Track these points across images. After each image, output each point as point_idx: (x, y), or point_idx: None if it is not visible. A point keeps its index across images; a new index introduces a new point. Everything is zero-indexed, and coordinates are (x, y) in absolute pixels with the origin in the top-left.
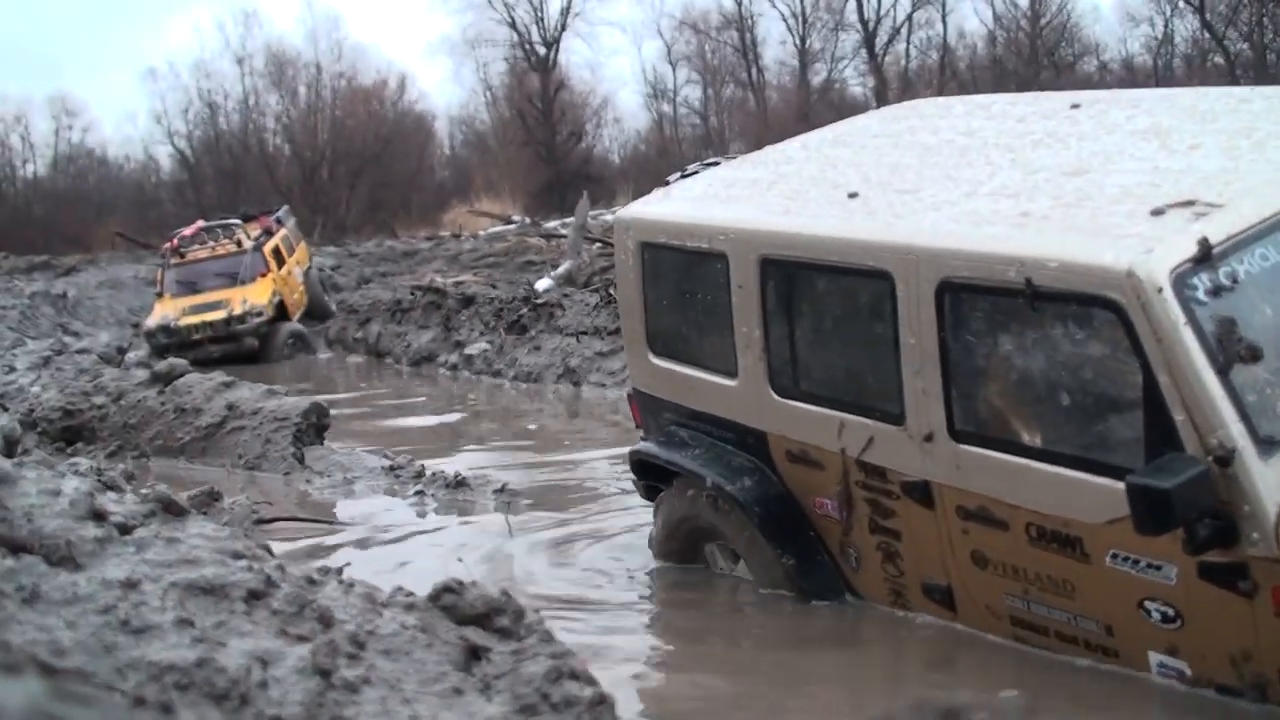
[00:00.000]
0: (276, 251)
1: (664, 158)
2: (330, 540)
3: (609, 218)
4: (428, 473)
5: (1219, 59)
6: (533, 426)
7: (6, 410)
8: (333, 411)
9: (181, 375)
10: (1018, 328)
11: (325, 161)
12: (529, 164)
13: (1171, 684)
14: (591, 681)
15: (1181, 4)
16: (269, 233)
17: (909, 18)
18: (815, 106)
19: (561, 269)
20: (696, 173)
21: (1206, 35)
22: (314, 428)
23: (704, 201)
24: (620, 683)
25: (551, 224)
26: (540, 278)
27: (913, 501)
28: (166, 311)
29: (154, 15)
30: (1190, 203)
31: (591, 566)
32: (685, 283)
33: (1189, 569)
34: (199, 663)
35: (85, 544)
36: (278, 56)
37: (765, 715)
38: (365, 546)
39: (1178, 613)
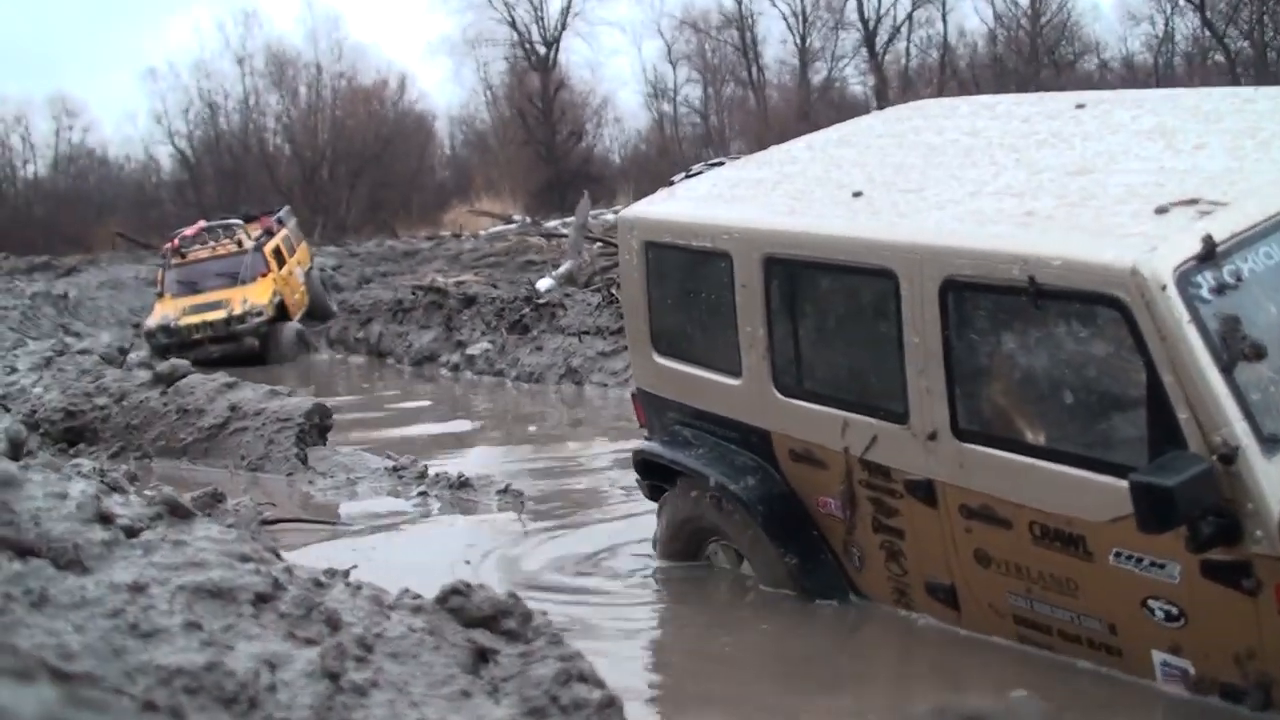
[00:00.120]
0: (277, 251)
1: (664, 157)
2: (335, 542)
3: (609, 217)
4: (431, 473)
5: (1219, 57)
6: (533, 428)
7: (9, 411)
8: (335, 414)
9: (184, 376)
10: (1021, 326)
11: (325, 161)
12: (529, 164)
13: (1176, 685)
14: (600, 684)
15: (1182, 2)
16: (270, 233)
17: (909, 16)
18: (815, 105)
19: (562, 268)
20: (701, 173)
21: (1207, 33)
22: (317, 428)
23: (708, 201)
24: (626, 685)
25: (552, 223)
26: (541, 277)
27: (916, 500)
28: (167, 311)
29: (154, 15)
30: (1194, 201)
31: (595, 567)
32: (689, 282)
33: (1192, 567)
34: (208, 666)
35: (92, 547)
36: (278, 56)
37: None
38: (370, 548)
39: (1181, 611)
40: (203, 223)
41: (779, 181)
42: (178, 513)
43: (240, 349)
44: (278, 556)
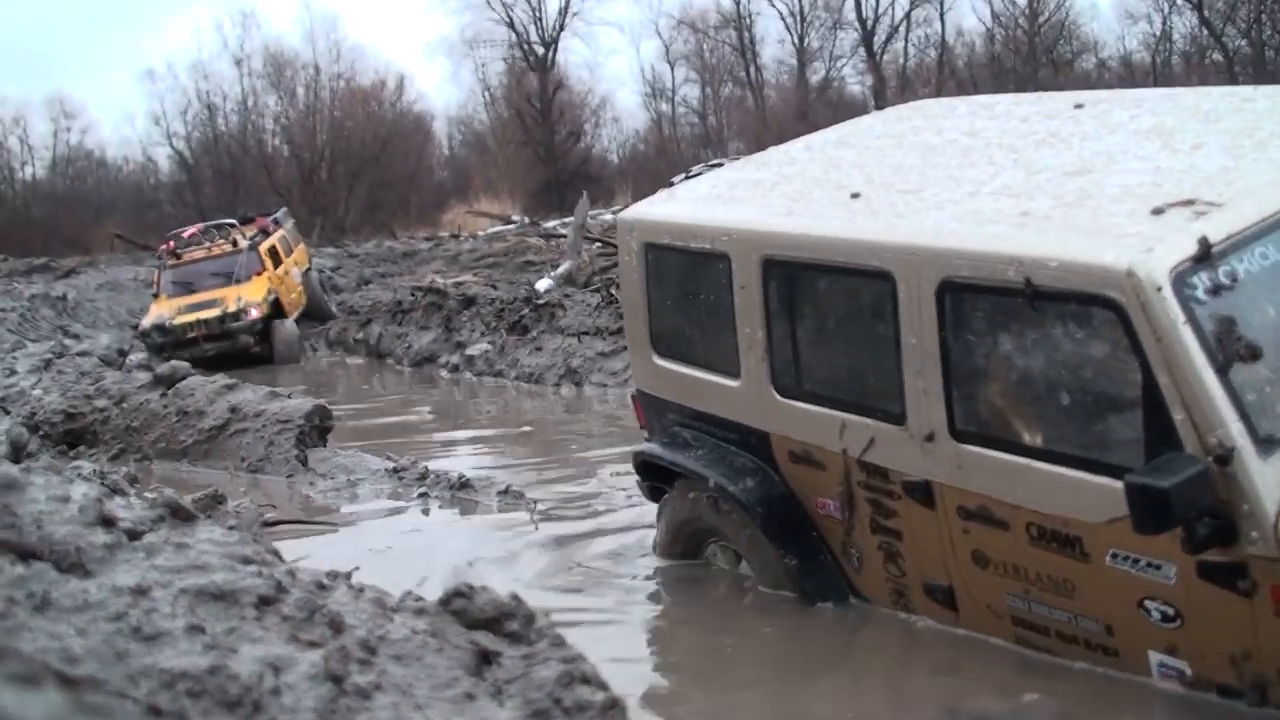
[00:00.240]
0: (273, 251)
1: (663, 157)
2: (336, 544)
3: (608, 217)
4: (431, 474)
5: (1217, 56)
6: (533, 429)
7: (9, 413)
8: (334, 416)
9: (184, 378)
10: (1018, 327)
11: (324, 162)
12: (528, 164)
13: (1173, 685)
14: (603, 686)
15: (1180, 1)
16: (265, 233)
17: (907, 16)
18: (814, 105)
19: (561, 269)
20: (701, 174)
21: (1205, 32)
22: (317, 430)
23: (707, 202)
24: (628, 687)
25: (551, 224)
26: (540, 278)
27: (914, 501)
28: (162, 311)
29: (152, 16)
30: (1190, 202)
31: (597, 568)
32: (688, 284)
33: (1188, 568)
34: (211, 670)
35: (95, 550)
36: (276, 57)
37: None
38: (372, 550)
39: (1178, 612)
40: (200, 226)
41: (777, 182)
42: (179, 515)
43: (235, 347)
44: (280, 559)
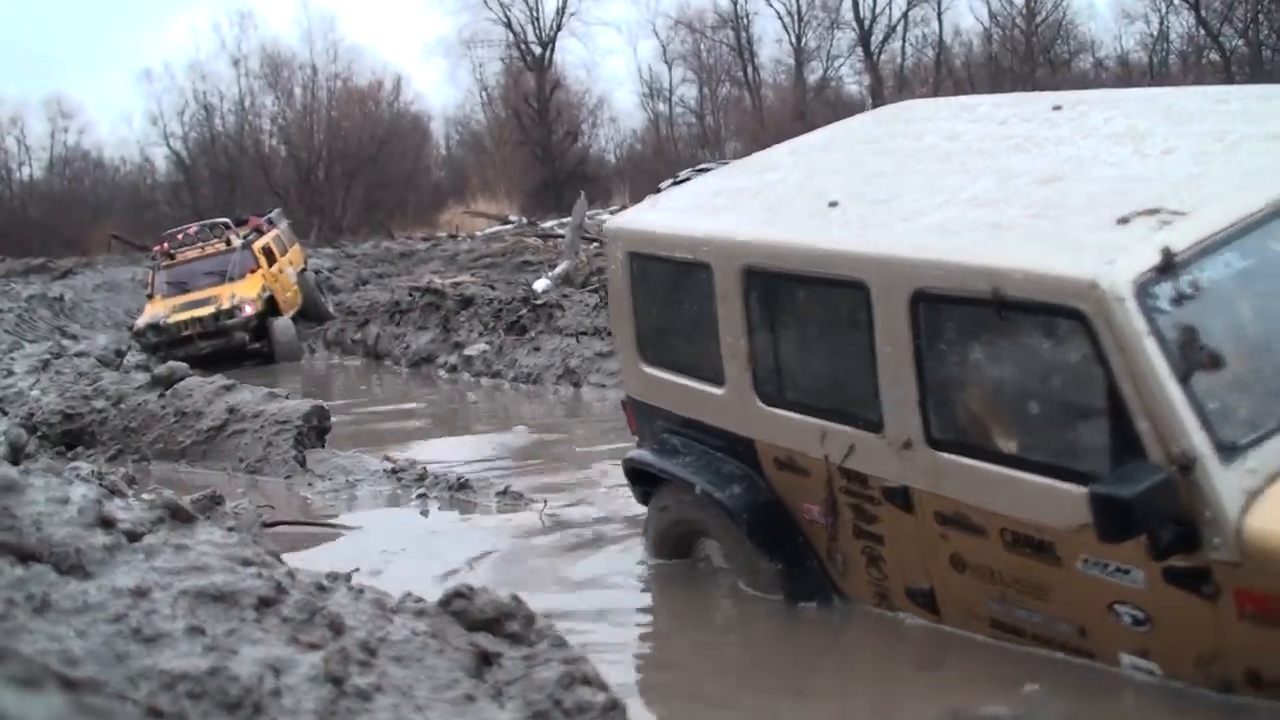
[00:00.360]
0: (267, 249)
1: (660, 157)
2: (335, 545)
3: (605, 217)
4: (430, 475)
5: (1214, 56)
6: (532, 429)
7: (6, 414)
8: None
9: (182, 379)
10: (989, 337)
11: (321, 163)
12: (525, 164)
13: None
14: (604, 687)
15: (1177, 1)
16: (260, 231)
17: (904, 15)
18: (811, 105)
19: (559, 269)
20: (689, 179)
21: (1202, 32)
22: (315, 430)
23: (689, 212)
24: (628, 687)
25: (548, 224)
26: (538, 278)
27: (894, 507)
28: (157, 311)
29: (150, 16)
30: (1156, 211)
31: (596, 568)
32: (672, 292)
33: (1156, 573)
34: (211, 671)
35: (94, 552)
36: (273, 58)
37: None
38: (371, 551)
39: (1147, 616)
40: (193, 226)
41: (759, 190)
42: (179, 516)
43: (230, 344)
44: (280, 560)
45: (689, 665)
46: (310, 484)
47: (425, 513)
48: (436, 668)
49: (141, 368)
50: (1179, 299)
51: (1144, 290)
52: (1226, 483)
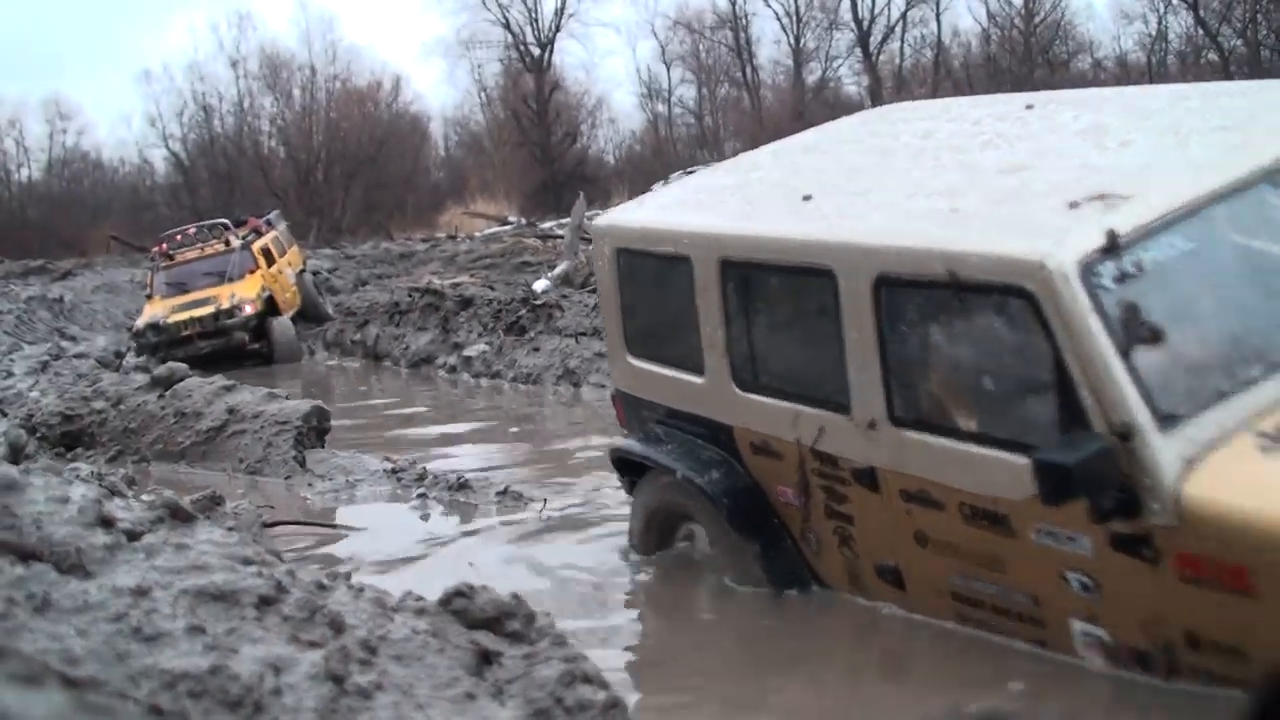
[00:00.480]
0: (266, 250)
1: (659, 158)
2: (335, 545)
3: None
4: (430, 475)
5: (1213, 56)
6: (531, 429)
7: (5, 415)
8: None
9: (181, 379)
10: (946, 318)
11: (320, 164)
12: (524, 165)
13: (1094, 653)
14: (604, 685)
15: (1175, 1)
16: (258, 232)
17: (903, 16)
18: (810, 105)
19: (559, 269)
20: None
21: (1200, 32)
22: (315, 431)
23: (672, 208)
24: (628, 685)
25: (547, 224)
26: (538, 278)
27: (862, 487)
28: (156, 311)
29: (149, 17)
30: (1104, 196)
31: (596, 567)
32: (657, 286)
33: (1102, 540)
34: (212, 670)
35: (95, 551)
36: (272, 59)
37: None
38: (371, 551)
39: (1095, 582)
40: (192, 227)
41: (740, 188)
42: (179, 516)
43: (230, 343)
44: (280, 559)
45: (691, 663)
46: (310, 484)
47: (425, 513)
48: (437, 666)
49: (141, 368)
50: (1122, 278)
51: (1088, 270)
52: (1165, 451)
